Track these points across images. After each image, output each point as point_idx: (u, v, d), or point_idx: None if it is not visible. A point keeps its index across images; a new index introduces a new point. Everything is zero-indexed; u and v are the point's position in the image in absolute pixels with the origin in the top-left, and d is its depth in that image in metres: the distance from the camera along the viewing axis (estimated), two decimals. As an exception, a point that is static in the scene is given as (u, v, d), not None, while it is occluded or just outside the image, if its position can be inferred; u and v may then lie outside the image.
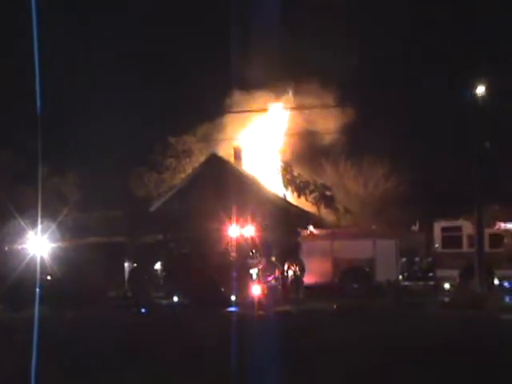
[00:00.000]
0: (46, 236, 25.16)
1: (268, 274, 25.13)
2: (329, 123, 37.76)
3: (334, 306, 21.87)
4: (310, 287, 25.98)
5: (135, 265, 25.67)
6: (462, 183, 27.25)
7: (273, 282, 25.55)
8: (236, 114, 38.73)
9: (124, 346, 14.58)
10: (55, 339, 14.65)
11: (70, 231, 26.63)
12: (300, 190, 33.06)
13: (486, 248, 24.80)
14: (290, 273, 26.14)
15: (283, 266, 26.00)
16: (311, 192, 32.81)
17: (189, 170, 38.66)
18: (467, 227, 25.73)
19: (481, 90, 24.54)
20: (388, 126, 34.21)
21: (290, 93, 38.82)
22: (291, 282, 26.04)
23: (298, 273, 26.25)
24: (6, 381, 11.64)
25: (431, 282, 25.83)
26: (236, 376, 11.26)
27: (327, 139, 38.22)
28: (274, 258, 25.91)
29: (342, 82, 35.71)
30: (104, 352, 13.50)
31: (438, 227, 26.19)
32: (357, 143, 37.18)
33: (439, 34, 35.36)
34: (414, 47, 36.22)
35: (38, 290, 21.35)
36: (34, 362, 11.92)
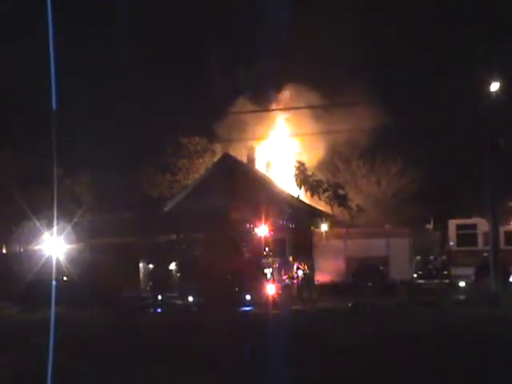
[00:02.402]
0: (61, 237, 25.32)
1: (283, 273, 25.22)
2: (342, 122, 37.69)
3: (349, 305, 21.86)
4: (324, 286, 26.01)
5: (151, 265, 25.83)
6: (476, 180, 27.12)
7: (287, 281, 25.63)
8: (249, 114, 38.73)
9: (141, 346, 14.66)
10: (71, 340, 14.73)
11: (84, 232, 26.76)
12: (313, 189, 32.95)
13: (501, 245, 24.72)
14: (300, 272, 26.21)
15: (296, 265, 26.09)
16: (324, 191, 32.68)
17: (202, 171, 38.72)
18: (482, 225, 25.63)
19: (495, 86, 24.45)
20: (401, 124, 34.11)
21: (304, 93, 38.73)
22: (301, 280, 26.11)
23: (307, 272, 26.30)
24: (24, 381, 11.74)
25: (446, 280, 25.73)
26: (249, 375, 11.28)
27: (340, 138, 38.17)
28: (291, 258, 25.96)
29: (355, 81, 35.61)
30: (121, 352, 13.58)
31: (452, 225, 26.09)
32: (370, 142, 37.13)
33: (454, 31, 35.27)
34: (428, 44, 36.11)
35: (53, 290, 21.44)
36: (51, 362, 11.99)
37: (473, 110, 26.75)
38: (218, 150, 39.57)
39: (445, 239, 26.38)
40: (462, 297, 23.08)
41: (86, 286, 23.46)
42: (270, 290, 23.75)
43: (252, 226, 24.93)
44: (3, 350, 14.68)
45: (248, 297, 23.30)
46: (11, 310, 24.55)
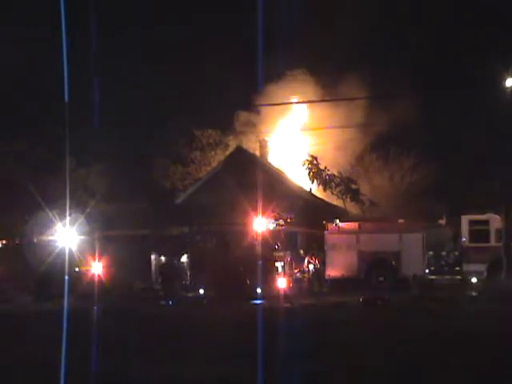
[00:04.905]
0: (74, 228, 25.46)
1: (294, 266, 25.24)
2: (355, 116, 37.59)
3: (360, 299, 21.86)
4: (335, 280, 26.01)
5: (163, 257, 25.93)
6: (489, 176, 27.01)
7: (298, 274, 25.66)
8: (262, 108, 38.68)
9: (152, 337, 14.74)
10: (84, 330, 14.82)
11: (97, 223, 26.87)
12: (326, 183, 32.93)
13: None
14: (311, 266, 26.22)
15: (307, 259, 26.12)
16: (337, 185, 32.67)
17: (214, 163, 38.74)
18: (495, 221, 25.52)
19: (510, 82, 24.34)
20: (414, 118, 33.97)
21: (316, 86, 38.62)
22: (312, 274, 26.13)
23: (318, 266, 26.30)
24: (36, 371, 11.81)
25: (458, 276, 25.64)
26: (259, 369, 11.30)
27: (353, 132, 38.06)
28: (302, 251, 25.97)
29: (368, 73, 35.50)
30: (133, 343, 13.65)
31: (465, 221, 25.98)
32: (383, 136, 37.03)
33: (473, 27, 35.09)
34: (446, 36, 35.88)
35: (66, 281, 21.61)
36: (64, 352, 12.07)
37: (487, 104, 26.63)
38: (231, 143, 39.55)
39: (457, 235, 26.28)
40: (473, 293, 23.02)
41: (98, 277, 23.60)
42: (281, 283, 23.78)
43: (264, 219, 24.93)
44: (16, 339, 14.79)
45: (259, 290, 23.33)
46: (24, 299, 24.73)
